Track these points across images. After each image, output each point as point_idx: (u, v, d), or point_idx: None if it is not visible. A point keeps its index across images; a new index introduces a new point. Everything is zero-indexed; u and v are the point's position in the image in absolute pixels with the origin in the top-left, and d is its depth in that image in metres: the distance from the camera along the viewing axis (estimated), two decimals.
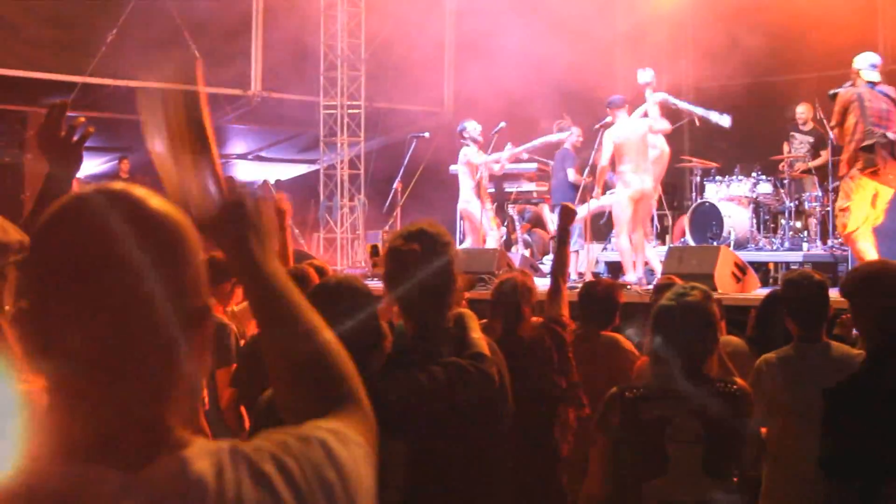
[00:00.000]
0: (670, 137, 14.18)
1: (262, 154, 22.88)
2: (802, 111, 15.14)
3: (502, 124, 14.30)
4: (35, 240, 1.38)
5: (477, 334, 3.86)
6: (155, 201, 1.38)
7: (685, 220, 14.94)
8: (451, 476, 3.75)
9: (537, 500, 5.29)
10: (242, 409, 6.05)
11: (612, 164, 12.75)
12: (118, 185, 1.39)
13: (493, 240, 14.15)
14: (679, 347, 4.18)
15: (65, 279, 1.32)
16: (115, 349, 1.31)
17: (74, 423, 1.31)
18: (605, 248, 15.16)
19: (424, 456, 3.64)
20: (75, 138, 3.16)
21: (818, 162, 14.63)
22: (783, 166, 14.88)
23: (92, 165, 19.78)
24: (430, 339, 3.80)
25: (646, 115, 12.92)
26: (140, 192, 1.38)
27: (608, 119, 12.73)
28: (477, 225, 14.03)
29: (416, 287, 3.79)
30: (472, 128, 14.12)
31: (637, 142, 12.56)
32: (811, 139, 15.00)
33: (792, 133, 15.19)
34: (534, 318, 6.27)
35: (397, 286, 3.81)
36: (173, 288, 1.35)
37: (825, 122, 13.79)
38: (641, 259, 12.52)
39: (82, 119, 3.34)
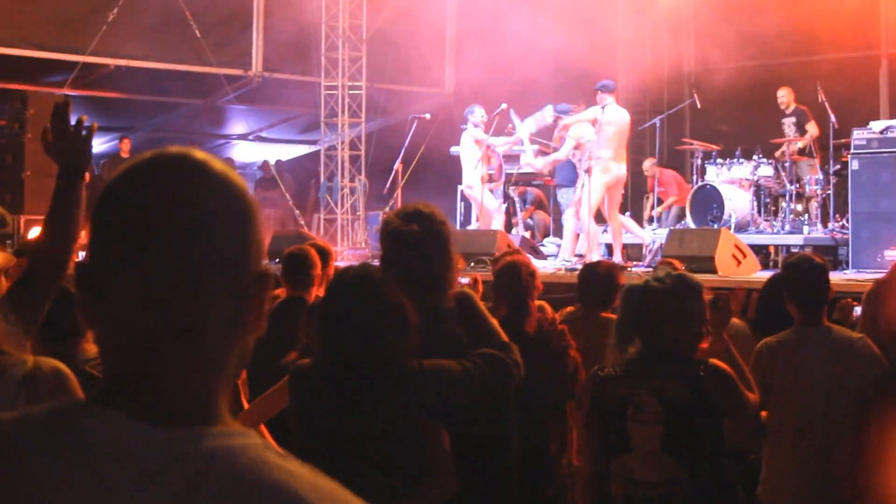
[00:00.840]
0: (671, 119, 14.16)
1: (263, 134, 22.86)
2: (783, 94, 15.19)
3: (503, 106, 14.26)
4: (108, 200, 1.35)
5: (493, 320, 3.87)
6: (218, 164, 1.36)
7: (687, 202, 14.94)
8: (480, 460, 3.78)
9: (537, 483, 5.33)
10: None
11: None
12: (179, 149, 1.37)
13: (499, 222, 14.21)
14: (645, 327, 4.20)
15: (136, 238, 1.30)
16: (182, 312, 1.30)
17: (127, 384, 1.31)
18: (604, 231, 15.16)
19: (462, 442, 3.68)
20: (82, 133, 3.18)
21: (805, 140, 14.65)
22: (780, 152, 14.89)
23: (94, 145, 19.75)
24: (431, 321, 3.78)
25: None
26: (202, 155, 1.36)
27: (609, 101, 12.79)
28: (480, 206, 14.08)
29: (417, 268, 3.79)
30: (480, 114, 14.16)
31: (622, 129, 12.70)
32: (794, 119, 15.02)
33: (781, 120, 15.21)
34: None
35: (397, 267, 3.81)
36: (240, 252, 1.34)
37: (826, 103, 13.79)
38: (620, 244, 12.77)
39: (85, 117, 3.37)
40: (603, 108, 12.78)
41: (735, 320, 6.18)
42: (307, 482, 1.25)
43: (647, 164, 16.96)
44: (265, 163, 21.74)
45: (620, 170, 12.84)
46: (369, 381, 3.48)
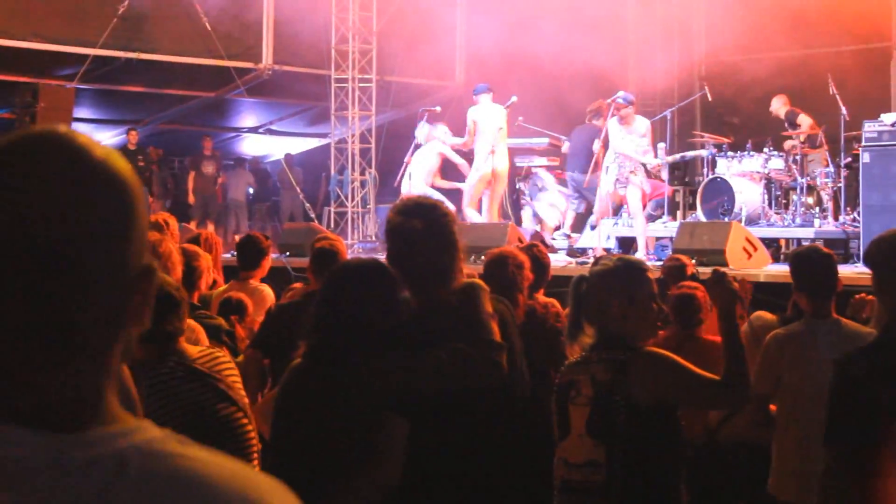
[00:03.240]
0: (682, 111, 14.15)
1: (273, 127, 22.90)
2: (775, 104, 15.59)
3: (514, 98, 14.26)
4: None
5: (488, 314, 3.85)
6: (100, 150, 1.25)
7: (697, 196, 14.92)
8: (449, 456, 3.77)
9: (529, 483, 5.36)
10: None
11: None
12: (58, 129, 1.25)
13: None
14: (592, 314, 4.22)
15: (8, 226, 1.19)
16: (59, 309, 1.21)
17: (10, 386, 1.20)
18: (616, 224, 15.15)
19: (425, 436, 3.66)
20: None
21: (803, 130, 14.77)
22: (790, 145, 14.93)
23: (103, 137, 19.78)
24: (431, 316, 3.78)
25: None
26: (83, 139, 1.25)
27: (620, 94, 12.80)
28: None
29: (422, 262, 3.79)
30: (444, 130, 14.41)
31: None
32: (786, 122, 15.31)
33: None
34: (542, 297, 6.29)
35: (402, 262, 3.81)
36: (122, 244, 1.25)
37: (837, 96, 13.76)
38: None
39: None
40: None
41: (764, 313, 6.17)
42: (215, 466, 1.20)
43: None
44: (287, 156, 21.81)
45: None
46: (333, 373, 3.53)
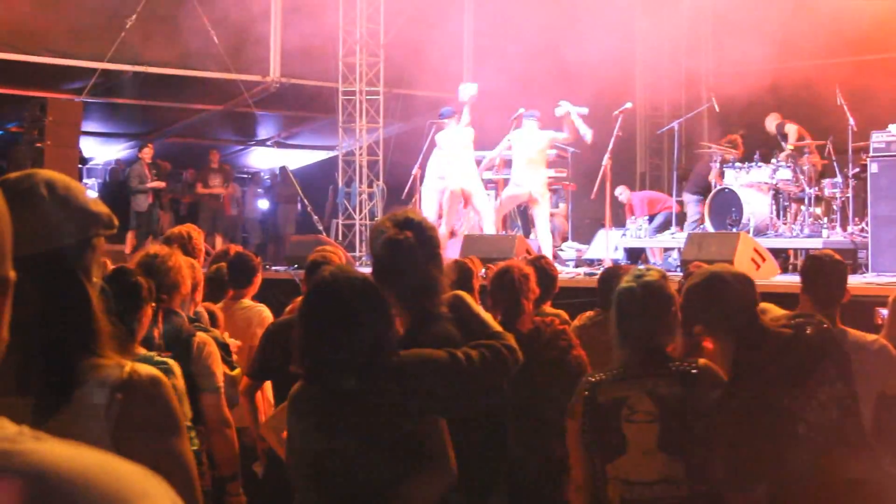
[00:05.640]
0: (689, 123, 14.15)
1: (281, 140, 22.92)
2: (768, 123, 15.93)
3: (521, 110, 14.26)
4: None
5: (484, 312, 3.90)
6: None
7: (705, 207, 14.91)
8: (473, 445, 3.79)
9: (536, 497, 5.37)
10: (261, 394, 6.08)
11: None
12: None
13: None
14: (640, 328, 4.19)
15: None
16: None
17: None
18: (624, 234, 15.16)
19: (458, 429, 3.69)
20: None
21: (791, 139, 15.06)
22: (783, 155, 15.00)
23: (112, 151, 19.85)
24: (426, 324, 3.82)
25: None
26: None
27: (628, 105, 12.84)
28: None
29: (412, 274, 3.82)
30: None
31: None
32: (779, 136, 15.53)
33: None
34: (550, 308, 6.30)
35: (392, 274, 3.82)
36: None
37: (845, 106, 13.74)
38: None
39: None
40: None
41: (772, 306, 6.17)
42: (71, 459, 1.11)
43: (619, 191, 17.01)
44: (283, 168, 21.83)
45: None
46: (352, 379, 3.50)
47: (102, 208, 2.38)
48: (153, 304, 4.33)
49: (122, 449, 2.24)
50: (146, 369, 2.40)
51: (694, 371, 4.10)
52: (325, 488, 3.56)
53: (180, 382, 4.36)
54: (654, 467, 4.06)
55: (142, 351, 4.15)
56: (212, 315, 6.44)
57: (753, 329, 4.14)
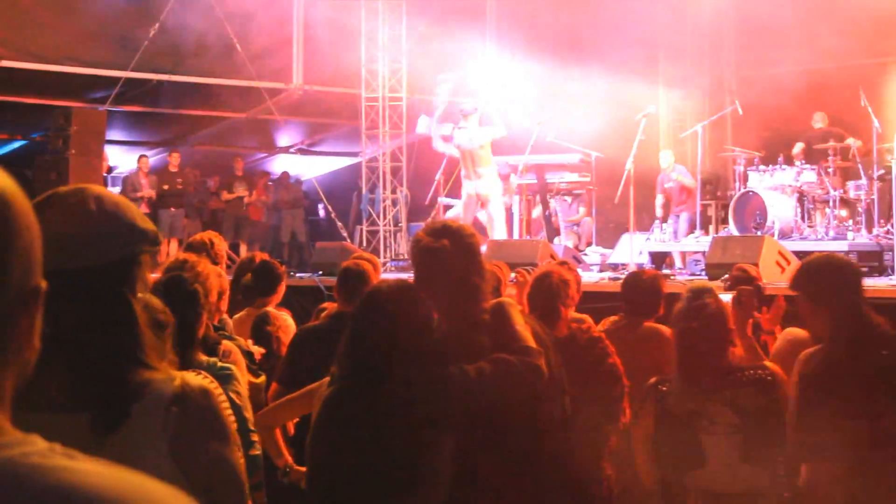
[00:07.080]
0: (713, 126, 14.11)
1: (304, 147, 22.97)
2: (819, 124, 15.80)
3: (546, 115, 14.27)
4: None
5: (521, 326, 3.86)
6: None
7: (730, 210, 14.86)
8: (498, 468, 3.77)
9: (581, 494, 5.30)
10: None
11: None
12: None
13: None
14: (706, 350, 4.17)
15: None
16: None
17: None
18: (648, 238, 15.11)
19: (472, 449, 3.67)
20: None
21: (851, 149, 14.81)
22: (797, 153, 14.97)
23: (135, 159, 19.87)
24: (466, 333, 3.81)
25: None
26: None
27: (651, 109, 12.81)
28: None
29: (451, 282, 3.82)
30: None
31: None
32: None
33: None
34: (573, 313, 6.29)
35: (431, 283, 3.83)
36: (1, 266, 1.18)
37: (869, 107, 13.65)
38: None
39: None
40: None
41: (798, 331, 6.13)
42: (100, 477, 1.13)
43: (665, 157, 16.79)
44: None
45: None
46: (375, 394, 3.53)
47: (149, 225, 2.41)
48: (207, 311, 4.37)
49: (178, 461, 2.27)
50: (196, 380, 2.41)
51: (769, 378, 4.09)
52: (326, 488, 3.60)
53: (243, 388, 4.39)
54: (737, 479, 4.04)
55: (203, 358, 4.19)
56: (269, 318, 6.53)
57: (854, 311, 4.10)
